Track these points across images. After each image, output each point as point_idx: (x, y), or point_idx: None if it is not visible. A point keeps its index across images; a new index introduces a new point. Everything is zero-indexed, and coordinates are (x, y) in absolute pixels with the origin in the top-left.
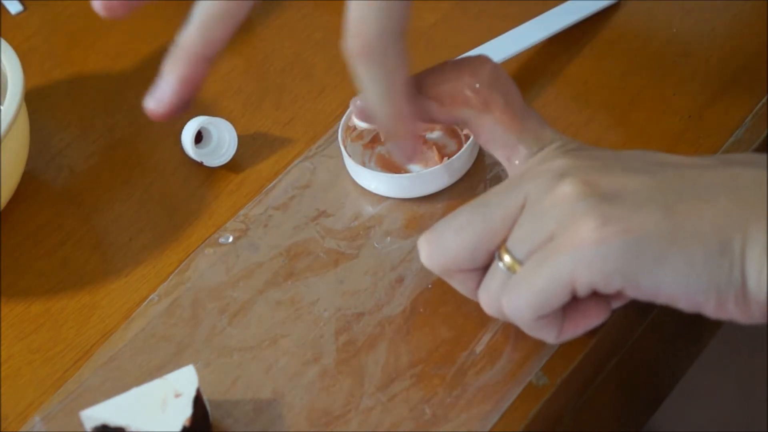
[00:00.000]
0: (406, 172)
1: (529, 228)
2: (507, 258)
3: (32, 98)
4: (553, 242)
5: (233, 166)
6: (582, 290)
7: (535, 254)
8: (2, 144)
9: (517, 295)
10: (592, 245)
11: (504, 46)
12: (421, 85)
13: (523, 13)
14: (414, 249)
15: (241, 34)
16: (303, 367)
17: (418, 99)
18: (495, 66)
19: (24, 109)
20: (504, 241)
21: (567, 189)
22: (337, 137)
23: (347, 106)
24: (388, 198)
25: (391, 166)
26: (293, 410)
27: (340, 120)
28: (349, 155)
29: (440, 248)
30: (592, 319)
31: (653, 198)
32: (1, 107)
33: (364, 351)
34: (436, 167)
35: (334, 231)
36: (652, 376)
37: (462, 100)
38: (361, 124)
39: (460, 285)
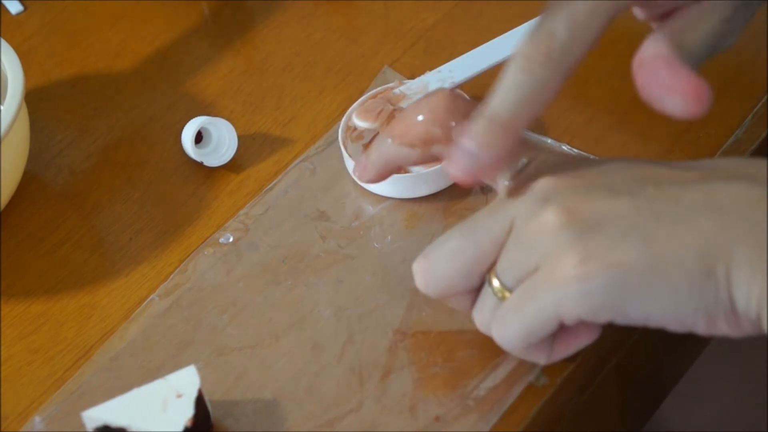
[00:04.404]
0: (406, 172)
1: (515, 256)
2: (496, 283)
3: (32, 98)
4: (538, 274)
5: (233, 166)
6: (569, 321)
7: (522, 285)
8: (2, 144)
9: (505, 326)
10: (576, 282)
11: (504, 47)
12: (394, 136)
13: (523, 13)
14: (414, 249)
15: (240, 34)
16: (303, 366)
17: (395, 149)
18: (450, 93)
19: (24, 109)
20: (494, 263)
21: (550, 217)
22: (337, 137)
23: (347, 106)
24: (388, 198)
25: None
26: (293, 410)
27: (340, 120)
28: (349, 155)
29: (435, 276)
30: (583, 339)
31: (634, 225)
32: (1, 107)
33: (364, 351)
34: (436, 167)
35: (334, 231)
36: (652, 376)
37: (429, 137)
38: (361, 124)
39: (457, 305)
